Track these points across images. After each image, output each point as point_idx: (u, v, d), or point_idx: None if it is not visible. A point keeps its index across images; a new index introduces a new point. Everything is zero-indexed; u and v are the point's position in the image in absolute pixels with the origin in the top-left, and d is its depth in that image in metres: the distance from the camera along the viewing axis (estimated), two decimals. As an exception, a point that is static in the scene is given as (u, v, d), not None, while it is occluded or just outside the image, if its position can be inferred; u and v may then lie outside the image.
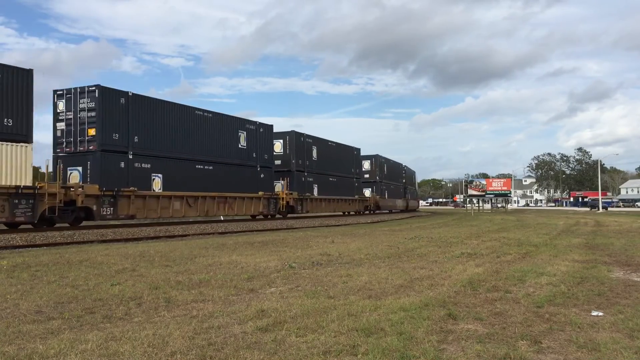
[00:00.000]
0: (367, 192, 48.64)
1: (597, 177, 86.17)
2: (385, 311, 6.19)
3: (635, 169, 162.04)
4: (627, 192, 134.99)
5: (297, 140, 35.15)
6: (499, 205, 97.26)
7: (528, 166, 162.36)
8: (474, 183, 71.47)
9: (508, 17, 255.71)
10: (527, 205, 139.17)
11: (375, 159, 51.18)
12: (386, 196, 53.24)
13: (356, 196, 44.29)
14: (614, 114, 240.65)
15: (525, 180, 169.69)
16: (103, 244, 16.46)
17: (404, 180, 63.95)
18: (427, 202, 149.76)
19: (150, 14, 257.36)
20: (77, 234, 18.39)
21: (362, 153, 51.19)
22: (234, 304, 6.77)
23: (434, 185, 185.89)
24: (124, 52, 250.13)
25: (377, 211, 51.25)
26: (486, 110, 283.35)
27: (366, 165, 50.13)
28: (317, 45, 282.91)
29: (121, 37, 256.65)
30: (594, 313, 6.19)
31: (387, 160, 55.88)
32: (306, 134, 36.67)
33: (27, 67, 18.80)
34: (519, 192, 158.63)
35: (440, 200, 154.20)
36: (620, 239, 17.57)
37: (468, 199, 73.75)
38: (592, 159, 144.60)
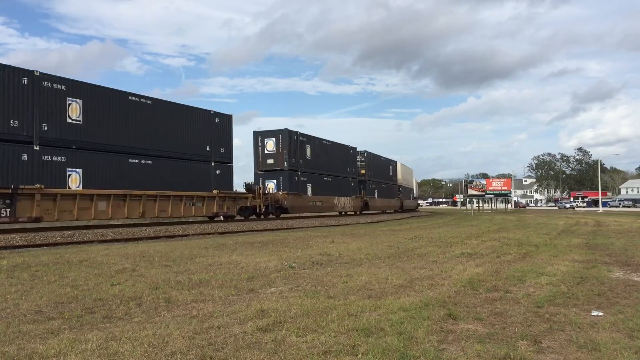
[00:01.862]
0: (272, 186, 33.12)
1: (597, 177, 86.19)
2: (385, 311, 6.19)
3: (636, 169, 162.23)
4: (627, 192, 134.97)
5: (6, 83, 17.93)
6: (568, 206, 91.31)
7: (528, 166, 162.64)
8: (474, 183, 71.50)
9: (513, 17, 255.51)
10: (527, 205, 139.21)
11: (284, 137, 33.54)
12: (309, 192, 35.63)
13: (215, 191, 26.31)
14: (617, 114, 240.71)
15: (525, 180, 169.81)
16: (103, 244, 16.47)
17: (361, 171, 46.67)
18: (427, 202, 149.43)
19: (153, 14, 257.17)
20: (77, 234, 18.39)
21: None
22: (234, 304, 6.77)
23: (434, 185, 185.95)
24: (125, 52, 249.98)
25: (285, 214, 33.68)
26: (488, 111, 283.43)
27: (269, 145, 33.75)
28: (321, 45, 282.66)
29: (123, 37, 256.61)
30: (594, 313, 6.19)
31: (316, 141, 37.85)
32: (50, 75, 19.56)
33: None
34: (519, 192, 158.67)
35: (440, 200, 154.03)
36: (620, 239, 17.57)
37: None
38: (592, 159, 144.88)
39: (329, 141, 40.48)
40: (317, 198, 36.70)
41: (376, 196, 50.01)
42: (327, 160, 39.40)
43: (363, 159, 47.68)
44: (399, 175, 60.55)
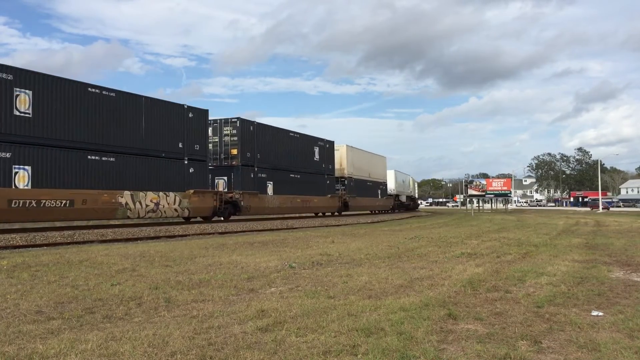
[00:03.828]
0: None
1: (597, 177, 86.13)
2: (385, 311, 6.19)
3: (636, 169, 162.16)
4: (627, 192, 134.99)
5: None
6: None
7: (528, 166, 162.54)
8: (474, 183, 71.41)
9: (518, 18, 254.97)
10: (528, 205, 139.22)
11: None
12: (21, 182, 17.50)
13: None
14: (619, 114, 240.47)
15: (526, 180, 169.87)
16: (103, 244, 16.46)
17: (232, 152, 28.68)
18: (427, 202, 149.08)
19: (156, 14, 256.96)
20: (77, 234, 18.39)
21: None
22: (234, 304, 6.77)
23: (434, 185, 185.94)
24: (129, 52, 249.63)
25: None
26: (490, 111, 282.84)
27: None
28: (326, 46, 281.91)
29: (125, 37, 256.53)
30: (594, 313, 6.19)
31: (57, 85, 18.96)
32: None
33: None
34: (519, 192, 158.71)
35: (440, 200, 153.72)
36: (620, 239, 17.57)
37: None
38: (592, 159, 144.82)
39: (112, 90, 21.42)
40: (42, 193, 18.10)
41: (270, 192, 31.29)
42: (103, 126, 20.78)
43: (234, 132, 28.75)
44: (342, 164, 41.45)
